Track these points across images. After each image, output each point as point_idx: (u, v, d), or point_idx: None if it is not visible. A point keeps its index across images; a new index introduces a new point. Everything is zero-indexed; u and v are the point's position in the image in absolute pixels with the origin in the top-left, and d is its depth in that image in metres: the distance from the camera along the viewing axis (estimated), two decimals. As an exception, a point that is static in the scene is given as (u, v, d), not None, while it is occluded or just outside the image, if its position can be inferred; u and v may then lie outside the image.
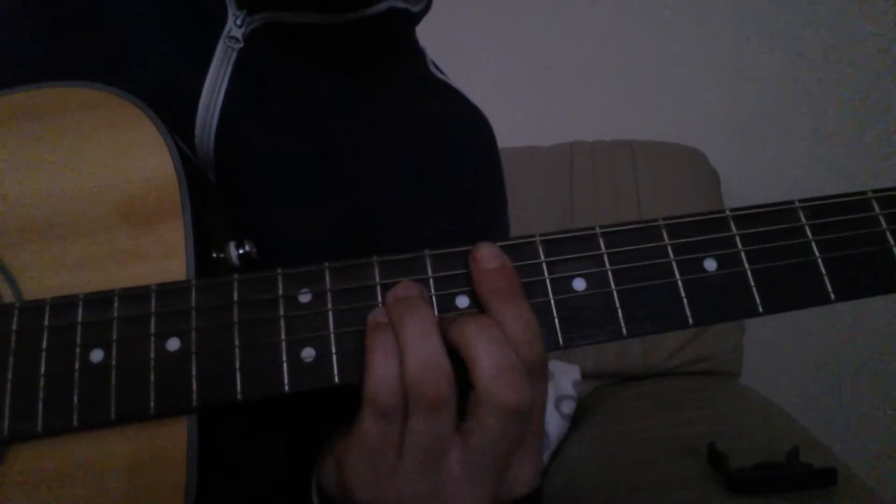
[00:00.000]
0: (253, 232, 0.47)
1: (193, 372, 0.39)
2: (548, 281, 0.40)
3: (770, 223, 0.41)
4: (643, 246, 0.40)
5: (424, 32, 0.69)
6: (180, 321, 0.40)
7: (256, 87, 0.56)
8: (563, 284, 0.40)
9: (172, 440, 0.39)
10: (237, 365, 0.39)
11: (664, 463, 1.12)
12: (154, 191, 0.43)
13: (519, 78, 1.77)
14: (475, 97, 0.71)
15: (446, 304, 0.40)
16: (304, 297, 0.40)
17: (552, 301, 0.40)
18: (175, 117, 0.46)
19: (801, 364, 1.73)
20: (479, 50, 1.74)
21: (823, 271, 0.40)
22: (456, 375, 0.37)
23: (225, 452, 0.44)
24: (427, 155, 0.62)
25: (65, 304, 0.41)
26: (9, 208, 0.43)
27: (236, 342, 0.39)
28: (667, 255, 0.40)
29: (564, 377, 1.36)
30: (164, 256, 0.42)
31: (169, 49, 0.55)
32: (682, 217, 0.41)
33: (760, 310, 0.39)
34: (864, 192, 0.42)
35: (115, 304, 0.40)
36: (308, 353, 0.39)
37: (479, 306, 0.39)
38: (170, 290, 0.40)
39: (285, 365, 0.39)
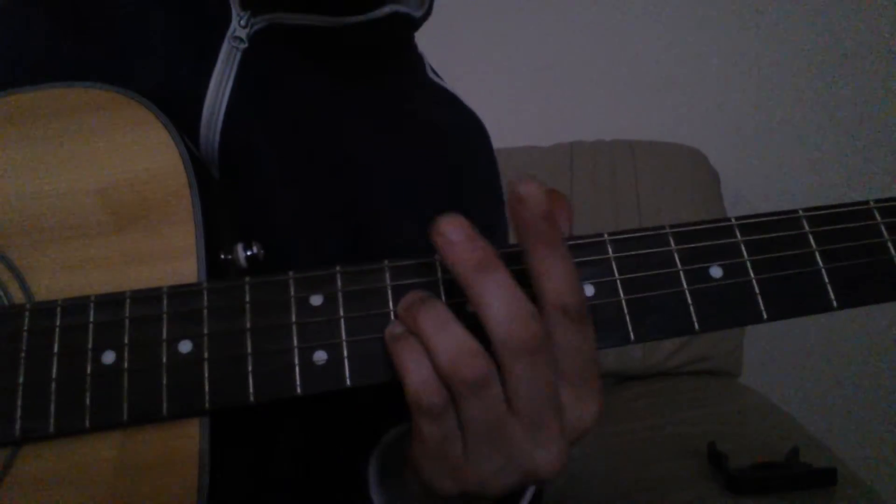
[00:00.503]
0: (256, 231, 0.48)
1: (206, 374, 0.39)
2: None
3: (774, 231, 0.41)
4: (651, 251, 0.41)
5: (425, 33, 0.69)
6: (192, 324, 0.40)
7: (261, 87, 0.57)
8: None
9: (184, 442, 0.39)
10: (249, 368, 0.39)
11: (664, 463, 1.12)
12: (164, 191, 0.44)
13: (519, 78, 1.78)
14: (475, 98, 0.72)
15: (457, 309, 0.40)
16: (316, 301, 0.40)
17: None
18: (179, 117, 0.46)
19: (801, 364, 1.74)
20: (479, 50, 1.75)
21: (826, 280, 0.40)
22: None
23: (234, 454, 0.45)
24: (425, 158, 0.63)
25: (76, 306, 0.41)
26: (18, 209, 0.43)
27: (248, 345, 0.39)
28: (674, 262, 0.40)
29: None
30: (175, 258, 0.42)
31: (173, 49, 0.55)
32: (688, 224, 0.41)
33: (765, 317, 0.40)
34: (866, 202, 0.42)
35: (127, 306, 0.40)
36: (320, 357, 0.39)
37: None
38: (182, 292, 0.41)
39: (297, 368, 0.39)
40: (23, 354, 0.40)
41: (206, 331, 0.39)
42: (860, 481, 1.05)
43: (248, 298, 0.40)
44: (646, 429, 1.28)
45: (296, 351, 0.39)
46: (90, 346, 0.40)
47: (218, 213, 0.47)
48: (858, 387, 1.73)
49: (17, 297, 0.42)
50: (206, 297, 0.40)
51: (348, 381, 0.39)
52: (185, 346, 0.39)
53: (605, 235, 0.41)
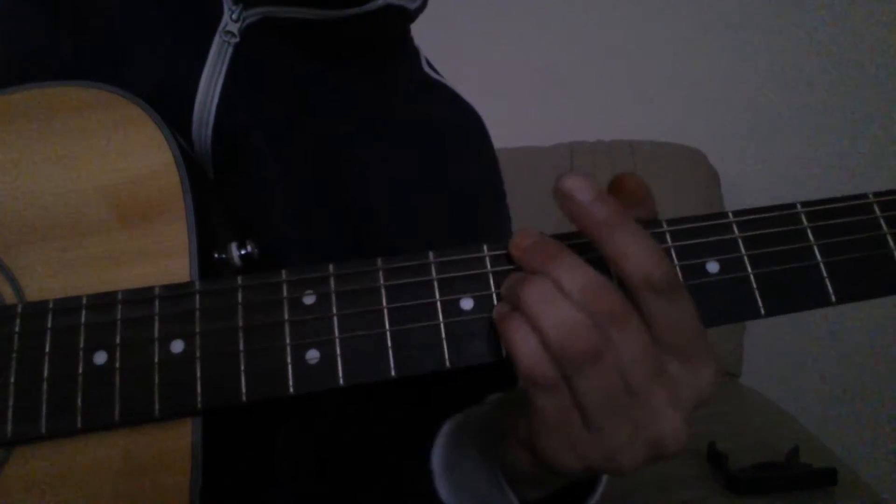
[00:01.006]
0: (250, 228, 0.47)
1: (197, 374, 0.39)
2: None
3: (772, 226, 0.41)
4: None
5: (424, 32, 0.69)
6: (184, 323, 0.39)
7: (253, 81, 0.56)
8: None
9: (176, 442, 0.39)
10: (241, 367, 0.39)
11: (664, 463, 1.12)
12: (156, 191, 0.43)
13: (519, 78, 1.77)
14: (475, 98, 0.71)
15: (451, 307, 0.40)
16: (309, 300, 0.40)
17: None
18: (172, 113, 0.46)
19: (801, 364, 1.74)
20: (479, 50, 1.74)
21: (825, 274, 0.40)
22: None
23: (227, 454, 0.44)
24: (422, 153, 0.63)
25: (68, 306, 0.40)
26: (10, 209, 0.43)
27: (240, 344, 0.39)
28: (670, 257, 0.40)
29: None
30: (167, 257, 0.42)
31: (164, 44, 0.55)
32: (684, 220, 0.41)
33: (763, 312, 0.40)
34: (865, 195, 0.42)
35: (119, 306, 0.40)
36: (313, 356, 0.39)
37: (483, 311, 0.39)
38: (174, 293, 0.40)
39: (290, 367, 0.38)
40: (14, 355, 0.40)
41: (197, 330, 0.39)
42: (860, 481, 1.05)
43: (240, 298, 0.40)
44: (646, 429, 1.27)
45: (288, 350, 0.39)
46: (82, 346, 0.39)
47: (212, 212, 0.47)
48: (858, 387, 1.73)
49: (9, 297, 0.42)
50: (197, 297, 0.40)
51: (341, 381, 0.38)
52: (177, 346, 0.39)
53: None
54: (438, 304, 0.40)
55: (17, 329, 0.40)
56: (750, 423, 1.27)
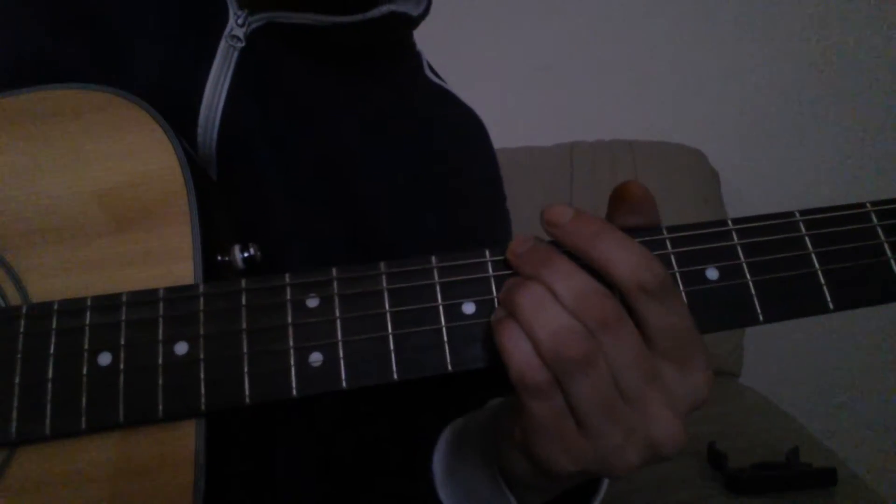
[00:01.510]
0: (254, 231, 0.48)
1: (201, 376, 0.39)
2: None
3: (771, 233, 0.41)
4: None
5: (425, 32, 0.69)
6: (188, 325, 0.40)
7: (258, 86, 0.56)
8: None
9: (180, 443, 0.39)
10: (245, 369, 0.39)
11: (664, 463, 1.12)
12: (160, 193, 0.44)
13: (519, 78, 1.77)
14: (476, 97, 0.72)
15: (452, 311, 0.40)
16: (312, 302, 0.40)
17: None
18: (177, 116, 0.46)
19: (801, 364, 1.74)
20: (479, 50, 1.74)
21: (822, 282, 0.41)
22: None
23: (230, 456, 0.45)
24: (424, 157, 0.63)
25: (72, 308, 0.41)
26: (15, 211, 0.43)
27: (244, 347, 0.39)
28: (670, 263, 0.40)
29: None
30: (171, 259, 0.42)
31: (170, 48, 0.55)
32: (684, 227, 0.41)
33: (761, 318, 0.40)
34: (862, 205, 0.42)
35: (123, 308, 0.40)
36: (316, 358, 0.39)
37: (485, 315, 0.40)
38: (178, 295, 0.41)
39: (293, 369, 0.39)
40: (19, 356, 0.40)
41: (201, 332, 0.39)
42: (860, 481, 1.05)
43: (244, 300, 0.40)
44: (646, 429, 1.27)
45: (291, 352, 0.39)
46: (86, 347, 0.40)
47: (215, 214, 0.47)
48: (858, 387, 1.73)
49: (14, 298, 0.42)
50: (201, 299, 0.40)
51: (344, 383, 0.39)
52: (181, 348, 0.39)
53: None
54: (441, 308, 0.40)
55: (21, 330, 0.40)
56: (750, 423, 1.27)
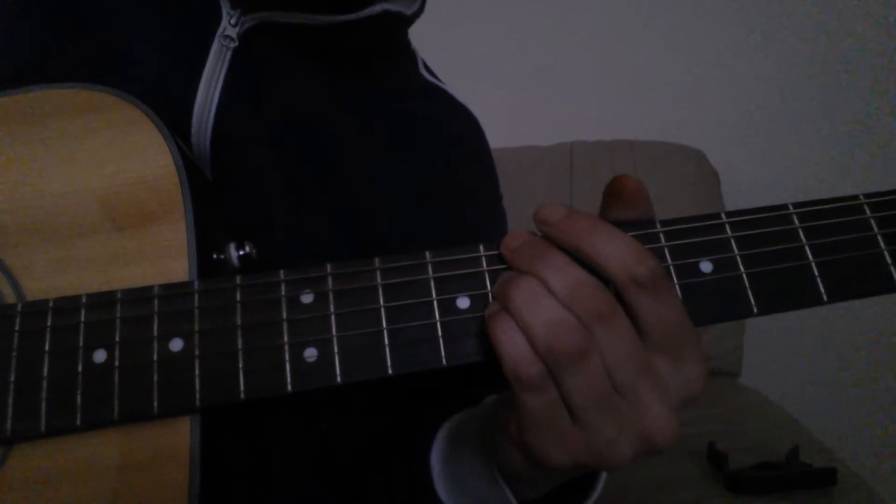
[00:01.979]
0: (249, 230, 0.48)
1: (196, 372, 0.39)
2: None
3: (764, 226, 0.41)
4: None
5: (425, 32, 0.69)
6: (183, 322, 0.40)
7: (251, 85, 0.56)
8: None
9: (175, 440, 0.39)
10: (240, 365, 0.39)
11: (664, 463, 1.12)
12: (156, 191, 0.44)
13: (519, 78, 1.78)
14: (476, 97, 0.72)
15: (447, 306, 0.40)
16: (306, 298, 0.40)
17: None
18: (170, 116, 0.46)
19: (801, 364, 1.74)
20: (480, 50, 1.75)
21: (816, 273, 0.41)
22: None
23: (226, 453, 0.45)
24: (419, 156, 0.63)
25: (67, 305, 0.41)
26: (10, 210, 0.43)
27: (239, 343, 0.39)
28: (664, 257, 0.40)
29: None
30: (166, 257, 0.42)
31: (163, 48, 0.55)
32: (678, 220, 0.41)
33: (755, 311, 0.40)
34: (856, 197, 0.42)
35: (118, 305, 0.40)
36: (310, 354, 0.39)
37: (479, 310, 0.40)
38: (173, 292, 0.41)
39: (288, 365, 0.39)
40: (14, 354, 0.40)
41: (196, 329, 0.39)
42: (860, 481, 1.05)
43: (238, 297, 0.40)
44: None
45: (286, 348, 0.39)
46: (81, 344, 0.40)
47: (211, 213, 0.47)
48: (858, 387, 1.73)
49: (9, 296, 0.42)
50: (196, 296, 0.40)
51: (339, 378, 0.39)
52: (176, 345, 0.39)
53: None
54: (435, 302, 0.40)
55: (16, 328, 0.40)
56: (750, 423, 1.27)
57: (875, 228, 0.42)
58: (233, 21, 0.56)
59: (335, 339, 0.39)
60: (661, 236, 0.41)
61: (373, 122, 0.61)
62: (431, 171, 0.63)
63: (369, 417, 0.58)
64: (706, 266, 0.40)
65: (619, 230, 0.38)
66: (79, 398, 0.39)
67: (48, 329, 0.40)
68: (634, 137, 1.66)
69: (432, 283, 0.40)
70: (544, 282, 0.37)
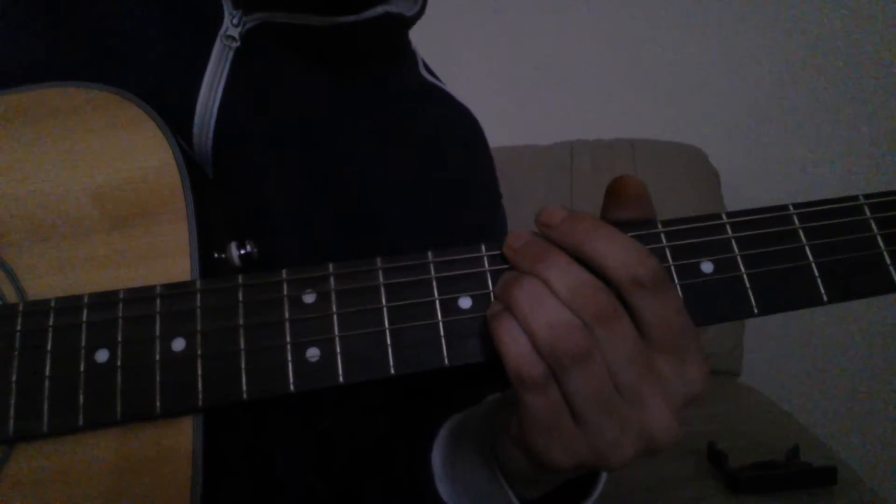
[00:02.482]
0: (251, 229, 0.48)
1: (199, 372, 0.39)
2: None
3: (765, 227, 0.41)
4: None
5: (426, 32, 0.69)
6: (185, 322, 0.40)
7: (253, 85, 0.57)
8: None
9: (177, 440, 0.39)
10: (242, 365, 0.39)
11: (664, 463, 1.12)
12: (157, 191, 0.44)
13: (519, 77, 1.78)
14: (476, 97, 0.72)
15: (449, 306, 0.40)
16: (309, 298, 0.40)
17: None
18: (172, 116, 0.46)
19: (801, 364, 1.74)
20: (479, 49, 1.75)
21: (816, 274, 0.41)
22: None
23: (228, 453, 0.45)
24: (420, 155, 0.63)
25: (69, 305, 0.41)
26: (11, 209, 0.43)
27: (241, 343, 0.39)
28: (665, 257, 0.40)
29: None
30: (168, 257, 0.42)
31: (165, 48, 0.55)
32: (678, 221, 0.41)
33: (756, 311, 0.40)
34: (855, 198, 0.43)
35: (120, 305, 0.40)
36: (313, 354, 0.39)
37: (482, 310, 0.40)
38: (175, 291, 0.41)
39: (290, 365, 0.39)
40: (16, 354, 0.40)
41: (198, 328, 0.39)
42: (860, 481, 1.05)
43: (240, 296, 0.40)
44: (646, 428, 1.27)
45: (288, 348, 0.39)
46: (83, 344, 0.40)
47: (212, 212, 0.47)
48: (858, 386, 1.73)
49: (11, 297, 0.42)
50: (198, 296, 0.40)
51: (341, 378, 0.39)
52: (179, 344, 0.39)
53: None
54: (437, 302, 0.40)
55: (18, 327, 0.40)
56: (750, 423, 1.27)
57: (875, 229, 0.42)
58: (235, 21, 0.56)
59: (337, 339, 0.39)
60: (662, 236, 0.41)
61: (374, 123, 0.61)
62: (432, 172, 0.63)
63: (371, 416, 0.58)
64: (707, 266, 0.40)
65: (619, 231, 0.38)
66: (81, 398, 0.39)
67: (50, 329, 0.40)
68: (634, 137, 1.66)
69: (434, 283, 0.40)
70: (546, 282, 0.37)
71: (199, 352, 0.39)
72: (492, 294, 0.40)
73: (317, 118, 0.59)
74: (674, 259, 0.41)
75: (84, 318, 0.40)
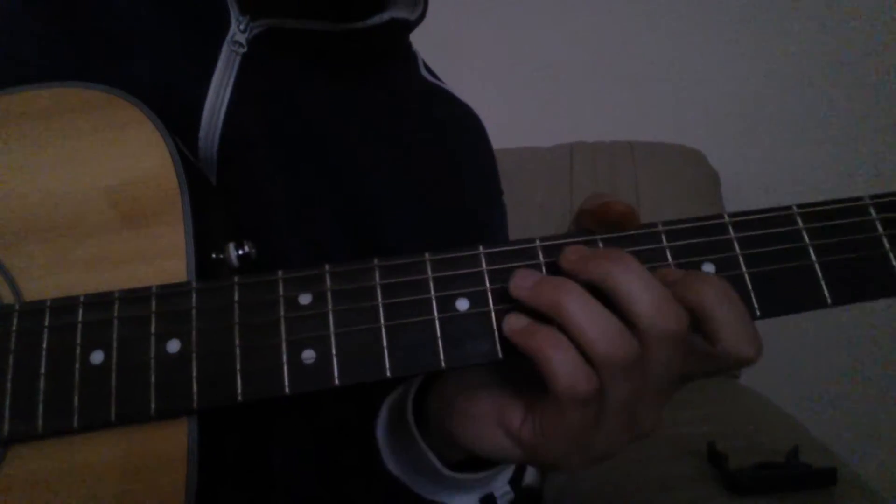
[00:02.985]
0: (253, 233, 0.48)
1: (194, 373, 0.39)
2: None
3: (768, 227, 0.41)
4: (643, 248, 0.41)
5: (426, 33, 0.69)
6: (181, 323, 0.39)
7: (259, 91, 0.57)
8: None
9: (172, 442, 0.39)
10: (237, 366, 0.39)
11: (664, 463, 1.12)
12: (154, 191, 0.43)
13: (519, 78, 1.77)
14: (476, 98, 0.72)
15: (446, 306, 0.40)
16: (305, 299, 0.40)
17: None
18: (178, 120, 0.46)
19: (801, 364, 1.73)
20: (479, 50, 1.74)
21: (820, 275, 0.40)
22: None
23: (224, 454, 0.44)
24: (423, 156, 0.63)
25: (65, 306, 0.41)
26: (8, 209, 0.43)
27: (237, 344, 0.39)
28: (666, 258, 0.40)
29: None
30: (164, 257, 0.42)
31: (172, 54, 0.55)
32: (680, 221, 0.41)
33: (758, 314, 0.40)
34: (861, 198, 0.42)
35: (116, 306, 0.40)
36: (308, 355, 0.39)
37: (479, 310, 0.39)
38: (170, 292, 0.40)
39: (285, 367, 0.39)
40: (11, 354, 0.40)
41: (194, 330, 0.39)
42: (860, 481, 1.05)
43: (236, 297, 0.40)
44: (645, 429, 1.27)
45: (284, 349, 0.39)
46: (79, 344, 0.40)
47: (210, 213, 0.47)
48: (858, 387, 1.72)
49: (7, 297, 0.42)
50: (194, 297, 0.40)
51: (336, 380, 0.38)
52: (174, 346, 0.39)
53: (598, 236, 0.41)
54: (434, 302, 0.40)
55: (14, 328, 0.40)
56: (750, 423, 1.27)
57: (881, 230, 0.41)
58: (242, 27, 0.56)
59: (333, 341, 0.39)
60: (663, 237, 0.41)
61: (378, 127, 0.62)
62: (434, 172, 0.63)
63: (367, 418, 0.58)
64: (709, 267, 0.40)
65: (646, 273, 0.37)
66: (76, 399, 0.39)
67: (46, 329, 0.40)
68: (634, 137, 1.65)
69: (431, 283, 0.40)
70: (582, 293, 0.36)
71: (194, 352, 0.39)
72: (489, 295, 0.40)
73: (323, 122, 0.59)
74: (675, 259, 0.40)
75: (79, 319, 0.40)
